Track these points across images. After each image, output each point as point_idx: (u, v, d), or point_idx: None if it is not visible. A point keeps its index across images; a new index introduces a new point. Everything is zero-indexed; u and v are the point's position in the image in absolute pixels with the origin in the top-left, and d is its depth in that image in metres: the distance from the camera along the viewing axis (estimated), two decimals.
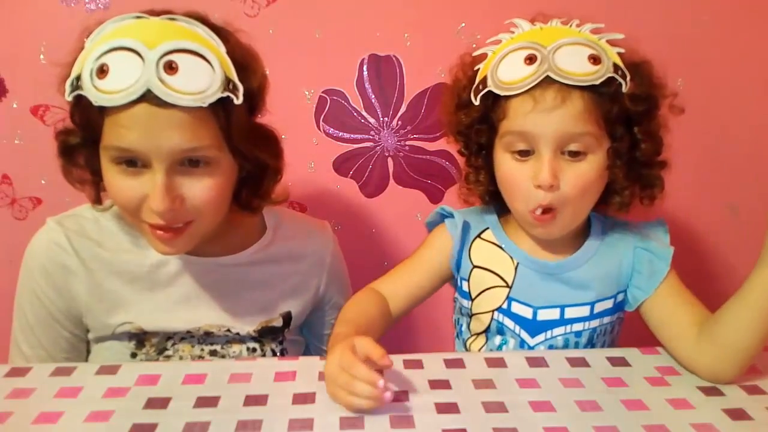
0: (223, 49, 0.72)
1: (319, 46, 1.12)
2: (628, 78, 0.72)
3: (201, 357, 0.85)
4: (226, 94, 0.69)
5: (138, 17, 0.71)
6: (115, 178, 0.72)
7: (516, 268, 0.82)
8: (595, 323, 0.82)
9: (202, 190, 0.72)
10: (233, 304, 0.86)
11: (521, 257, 0.82)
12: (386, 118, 1.17)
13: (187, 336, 0.85)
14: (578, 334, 0.82)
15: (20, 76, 1.12)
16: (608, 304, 0.82)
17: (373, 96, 1.16)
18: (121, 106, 0.67)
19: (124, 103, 0.66)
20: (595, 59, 0.71)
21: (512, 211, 0.80)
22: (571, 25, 0.76)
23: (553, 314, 0.81)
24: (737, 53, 1.15)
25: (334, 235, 0.98)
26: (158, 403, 0.67)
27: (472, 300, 0.84)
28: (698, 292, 0.80)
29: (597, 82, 0.70)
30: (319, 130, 1.17)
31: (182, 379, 0.72)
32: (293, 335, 0.94)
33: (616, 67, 0.72)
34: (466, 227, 0.85)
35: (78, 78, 0.69)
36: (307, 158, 1.18)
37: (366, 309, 0.79)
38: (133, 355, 0.83)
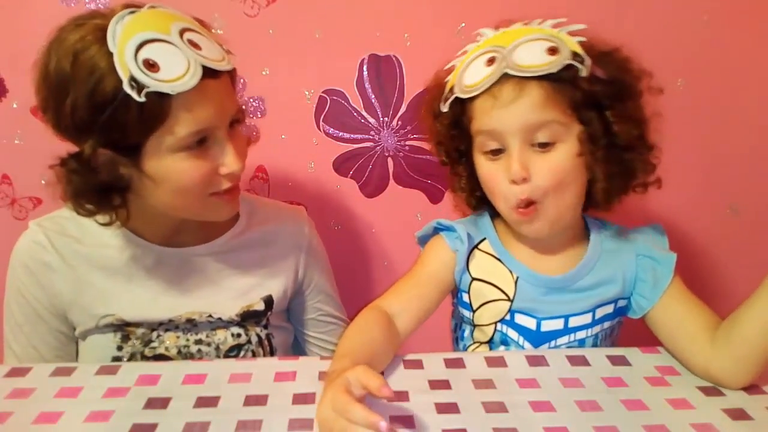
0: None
1: (319, 46, 1.12)
2: (588, 63, 0.72)
3: (186, 347, 0.86)
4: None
5: (131, 12, 0.72)
6: (184, 162, 0.74)
7: (516, 282, 0.81)
8: (596, 329, 0.82)
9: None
10: (213, 291, 0.88)
11: (521, 271, 0.81)
12: (386, 118, 1.17)
13: (171, 326, 0.86)
14: (582, 342, 0.82)
15: (20, 76, 1.10)
16: (609, 308, 0.82)
17: (373, 96, 1.16)
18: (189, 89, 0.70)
19: (195, 84, 0.70)
20: (552, 50, 0.72)
21: (500, 212, 0.80)
22: (532, 24, 0.77)
23: (558, 324, 0.81)
24: (737, 53, 1.15)
25: (310, 219, 0.99)
26: (158, 403, 0.67)
27: (474, 311, 0.84)
28: (698, 293, 0.80)
29: (553, 71, 0.70)
30: (319, 130, 1.17)
31: (182, 379, 0.72)
32: (279, 321, 0.95)
33: (575, 54, 0.72)
34: (468, 239, 0.83)
35: (133, 78, 0.68)
36: (307, 158, 1.18)
37: (369, 336, 0.73)
38: (119, 348, 0.84)
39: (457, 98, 0.77)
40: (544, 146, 0.73)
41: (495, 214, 0.85)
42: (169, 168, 0.74)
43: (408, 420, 0.64)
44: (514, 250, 0.83)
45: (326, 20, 1.11)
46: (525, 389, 0.70)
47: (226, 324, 0.88)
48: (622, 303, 0.83)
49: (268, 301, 0.91)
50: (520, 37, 0.74)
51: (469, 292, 0.83)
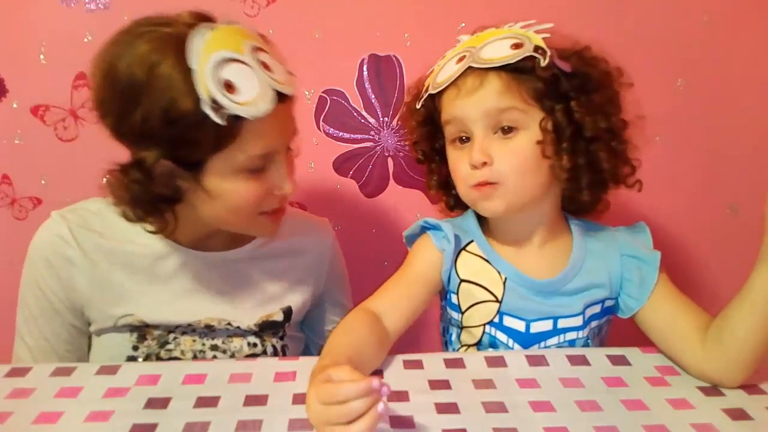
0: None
1: (319, 46, 1.12)
2: (549, 54, 0.74)
3: (202, 351, 0.86)
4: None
5: (211, 28, 0.72)
6: (243, 182, 0.75)
7: (504, 283, 0.81)
8: (586, 330, 0.82)
9: None
10: (234, 298, 0.87)
11: (509, 273, 0.81)
12: (386, 118, 1.17)
13: (188, 330, 0.85)
14: (572, 342, 0.81)
15: (20, 76, 1.12)
16: (596, 308, 0.82)
17: (373, 96, 1.16)
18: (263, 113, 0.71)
19: (270, 109, 0.71)
20: (516, 45, 0.75)
21: (461, 197, 0.81)
22: (503, 27, 0.80)
23: (547, 325, 0.81)
24: (737, 53, 1.15)
25: (333, 231, 0.98)
26: (158, 403, 0.67)
27: (462, 313, 0.83)
28: (698, 293, 0.80)
29: (512, 61, 0.74)
30: (319, 130, 1.17)
31: (182, 379, 0.72)
32: (293, 331, 0.94)
33: (537, 48, 0.75)
34: (456, 240, 0.83)
35: (213, 99, 0.68)
36: (307, 158, 1.18)
37: (354, 335, 0.72)
38: (135, 348, 0.83)
39: (429, 96, 0.81)
40: (507, 132, 0.75)
41: (480, 216, 0.85)
42: (228, 187, 0.75)
43: (408, 420, 0.64)
44: (501, 252, 0.83)
45: (326, 20, 1.11)
46: (525, 389, 0.70)
47: (243, 332, 0.87)
48: (609, 303, 0.83)
49: (287, 313, 0.90)
50: (489, 37, 0.78)
51: (457, 294, 0.83)
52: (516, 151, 0.75)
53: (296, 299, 0.91)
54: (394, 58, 1.14)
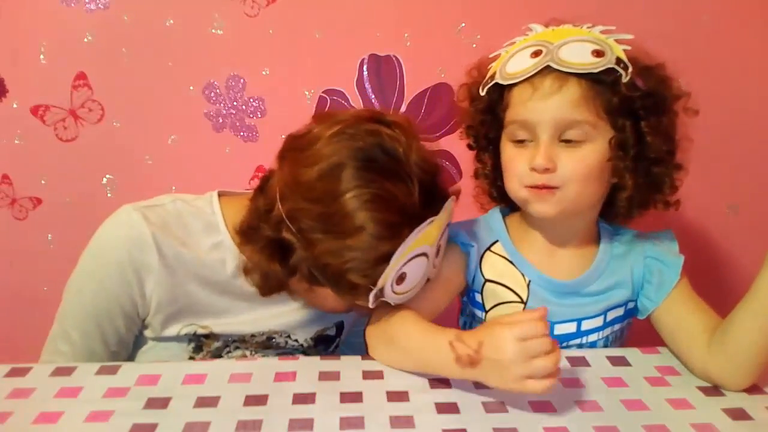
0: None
1: (319, 46, 1.12)
2: (630, 70, 0.72)
3: None
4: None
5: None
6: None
7: (528, 286, 0.81)
8: (607, 332, 0.82)
9: None
10: (295, 311, 0.86)
11: (533, 275, 0.81)
12: None
13: (242, 344, 0.85)
14: (593, 344, 0.82)
15: (20, 76, 1.12)
16: (619, 311, 0.83)
17: (373, 96, 1.16)
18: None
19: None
20: (598, 53, 0.72)
21: (509, 193, 0.79)
22: (582, 27, 0.78)
23: (570, 328, 0.81)
24: (737, 53, 1.15)
25: None
26: (158, 403, 0.67)
27: (486, 311, 0.83)
28: (697, 293, 0.80)
29: (595, 71, 0.71)
30: None
31: (182, 379, 0.72)
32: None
33: (618, 60, 0.73)
34: (480, 241, 0.83)
35: (381, 289, 0.68)
36: None
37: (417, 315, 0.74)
38: (191, 359, 0.83)
39: (496, 85, 0.77)
40: (572, 143, 0.73)
41: (506, 214, 0.85)
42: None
43: (408, 420, 0.64)
44: (526, 252, 0.82)
45: (326, 20, 1.11)
46: None
47: (293, 350, 0.87)
48: (631, 305, 0.83)
49: (340, 327, 0.90)
50: (568, 36, 0.75)
51: (482, 293, 0.83)
52: (582, 160, 0.73)
53: (348, 315, 0.90)
54: (394, 58, 1.14)
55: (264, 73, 1.14)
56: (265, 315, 0.85)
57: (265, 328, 0.85)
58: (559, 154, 0.73)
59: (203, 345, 0.83)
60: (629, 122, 0.74)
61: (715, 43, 1.14)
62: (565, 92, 0.72)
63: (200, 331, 0.82)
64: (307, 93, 1.15)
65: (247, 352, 0.86)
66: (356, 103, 1.15)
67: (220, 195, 0.85)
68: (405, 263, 0.68)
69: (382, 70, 1.14)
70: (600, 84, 0.72)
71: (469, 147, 0.87)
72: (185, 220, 0.81)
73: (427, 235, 0.68)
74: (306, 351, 0.88)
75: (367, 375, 0.72)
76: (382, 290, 0.68)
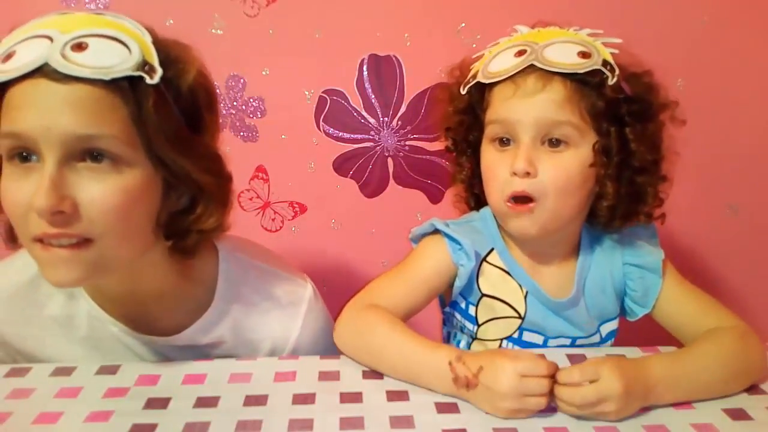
0: (148, 38, 0.64)
1: (319, 46, 1.12)
2: (617, 73, 0.71)
3: None
4: (138, 73, 0.60)
5: (63, 13, 0.65)
6: (7, 179, 0.61)
7: (525, 297, 0.79)
8: (603, 346, 0.82)
9: (101, 192, 0.60)
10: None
11: (530, 287, 0.79)
12: (386, 118, 1.17)
13: None
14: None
15: None
16: (613, 325, 0.83)
17: (373, 96, 1.16)
18: (16, 83, 0.58)
19: (17, 76, 0.58)
20: (584, 54, 0.71)
21: (490, 205, 0.77)
22: (568, 30, 0.76)
23: (564, 342, 0.81)
24: (737, 53, 1.15)
25: (314, 297, 0.81)
26: (158, 403, 0.67)
27: (478, 325, 0.81)
28: None
29: (581, 71, 0.69)
30: (319, 130, 1.17)
31: (182, 379, 0.72)
32: None
33: (605, 63, 0.71)
34: (476, 253, 0.78)
35: None
36: (307, 158, 1.18)
37: (396, 322, 0.72)
38: None
39: (477, 85, 0.75)
40: (555, 145, 0.71)
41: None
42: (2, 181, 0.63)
43: (408, 420, 0.64)
44: (522, 263, 0.80)
45: (326, 20, 1.11)
46: None
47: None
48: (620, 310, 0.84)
49: None
50: (554, 37, 0.73)
51: (477, 306, 0.80)
52: (563, 167, 0.71)
53: None
54: (394, 58, 1.14)
55: (264, 73, 1.14)
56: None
57: None
58: (540, 158, 0.71)
59: None
60: (614, 128, 0.72)
61: (715, 44, 1.14)
62: (549, 91, 0.70)
63: None
64: (307, 93, 1.15)
65: None
66: (356, 103, 1.16)
67: None
68: (14, 44, 0.61)
69: (382, 70, 1.14)
70: (585, 86, 0.70)
71: (447, 149, 0.84)
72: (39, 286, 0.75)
73: (46, 22, 0.62)
74: None
75: (367, 375, 0.72)
76: None
